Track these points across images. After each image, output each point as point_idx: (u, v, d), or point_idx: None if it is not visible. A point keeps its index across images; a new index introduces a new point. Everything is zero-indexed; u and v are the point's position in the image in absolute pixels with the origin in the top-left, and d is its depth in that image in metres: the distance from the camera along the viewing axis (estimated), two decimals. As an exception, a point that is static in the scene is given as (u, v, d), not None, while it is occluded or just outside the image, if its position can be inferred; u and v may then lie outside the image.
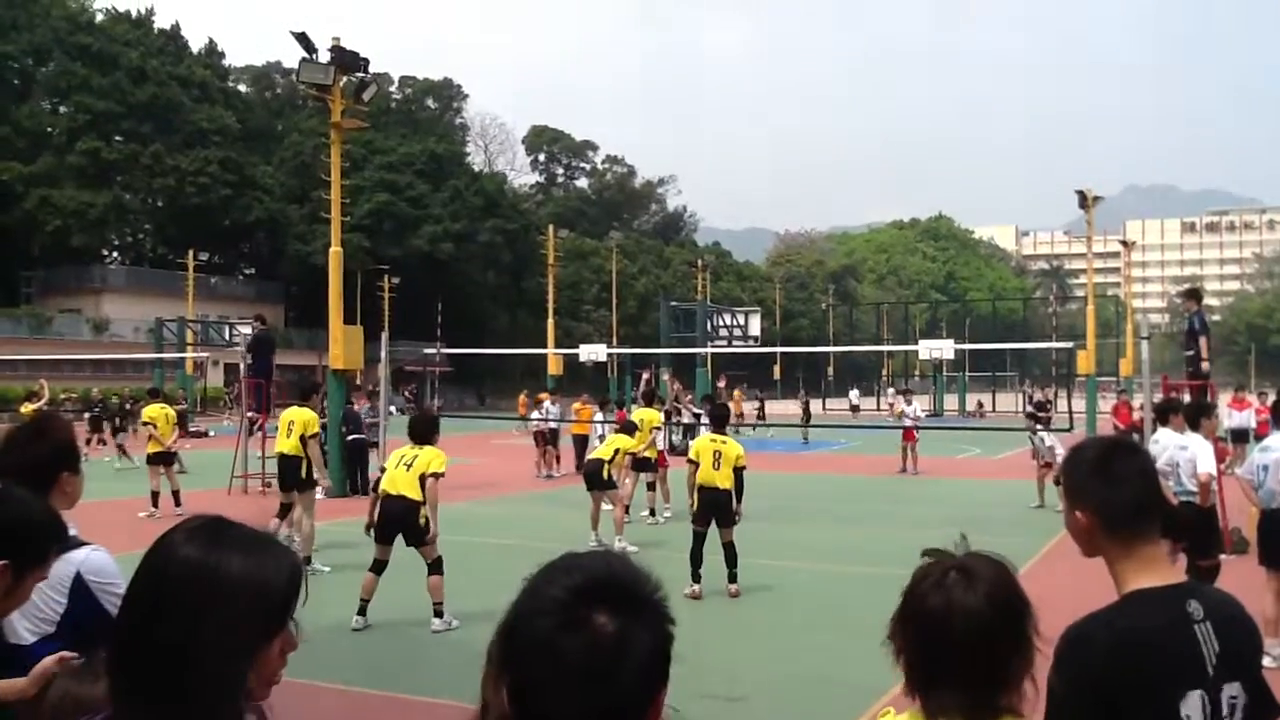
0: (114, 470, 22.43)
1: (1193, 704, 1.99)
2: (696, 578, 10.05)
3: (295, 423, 11.95)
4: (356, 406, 19.66)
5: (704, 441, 10.70)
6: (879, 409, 60.06)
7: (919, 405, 26.64)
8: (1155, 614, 2.06)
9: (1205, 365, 14.22)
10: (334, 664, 7.34)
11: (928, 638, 1.87)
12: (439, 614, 8.74)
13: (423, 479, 8.77)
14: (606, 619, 1.22)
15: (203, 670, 1.37)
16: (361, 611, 8.86)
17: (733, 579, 10.17)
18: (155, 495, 15.65)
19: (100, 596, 2.82)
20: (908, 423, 23.93)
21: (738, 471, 10.39)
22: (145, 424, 16.71)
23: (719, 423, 11.07)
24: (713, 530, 10.35)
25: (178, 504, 15.54)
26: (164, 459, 16.05)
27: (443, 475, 8.89)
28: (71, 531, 2.94)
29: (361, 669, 7.58)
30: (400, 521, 8.84)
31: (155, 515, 15.23)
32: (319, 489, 12.77)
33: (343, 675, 7.24)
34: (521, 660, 1.24)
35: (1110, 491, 2.15)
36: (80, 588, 2.80)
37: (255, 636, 1.42)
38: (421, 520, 8.80)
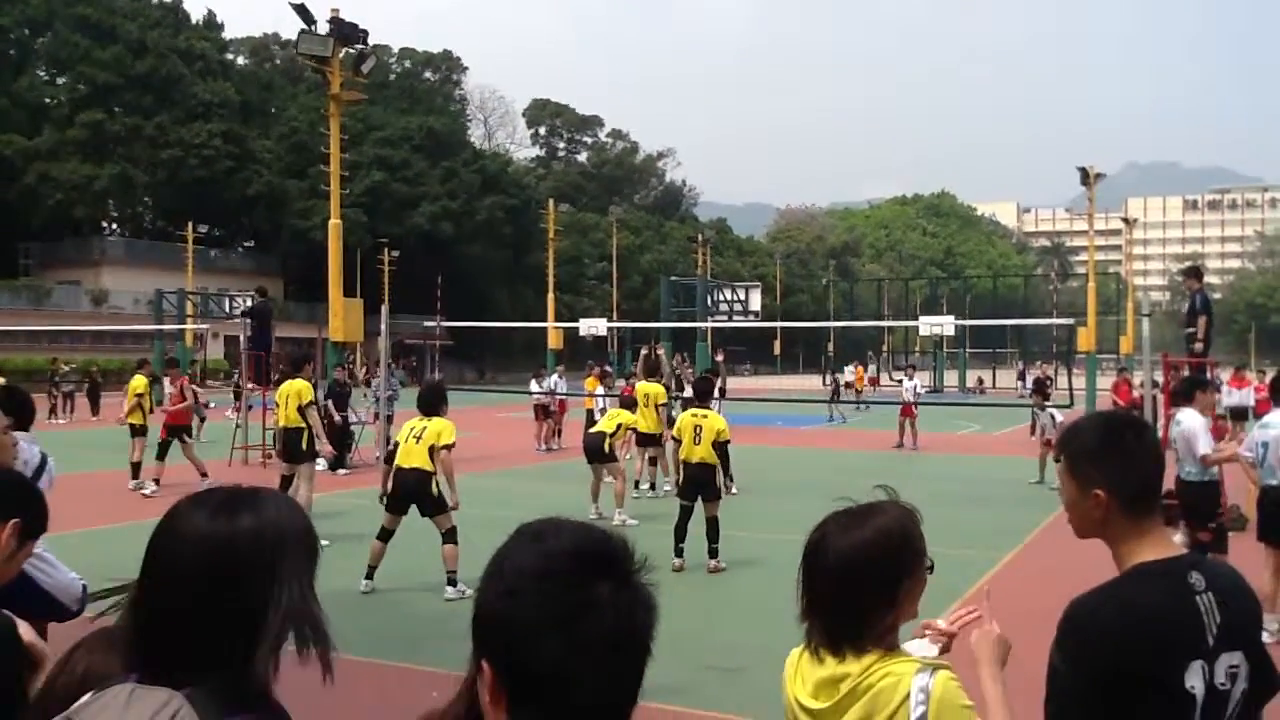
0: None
1: (1195, 673, 2.00)
2: (679, 551, 10.10)
3: (290, 395, 12.10)
4: (339, 375, 19.42)
5: (685, 417, 10.73)
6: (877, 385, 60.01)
7: (919, 381, 26.69)
8: (1158, 586, 2.06)
9: (1198, 346, 14.21)
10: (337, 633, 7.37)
11: (805, 570, 2.18)
12: (453, 582, 8.88)
13: (433, 450, 8.91)
14: (613, 590, 1.18)
15: (271, 629, 1.39)
16: (369, 575, 9.08)
17: (713, 554, 10.15)
18: (136, 466, 15.78)
19: None
20: (907, 398, 24.00)
21: (720, 445, 10.35)
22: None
23: (702, 397, 11.03)
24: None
25: (133, 476, 15.70)
26: (138, 431, 16.06)
27: (453, 446, 9.03)
28: None
29: (361, 638, 7.61)
30: (414, 493, 9.02)
31: (141, 487, 15.38)
32: (320, 459, 12.80)
33: (343, 644, 7.27)
34: (528, 645, 1.16)
35: (1127, 467, 2.15)
36: None
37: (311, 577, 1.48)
38: (434, 491, 8.96)
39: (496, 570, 1.23)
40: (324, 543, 10.67)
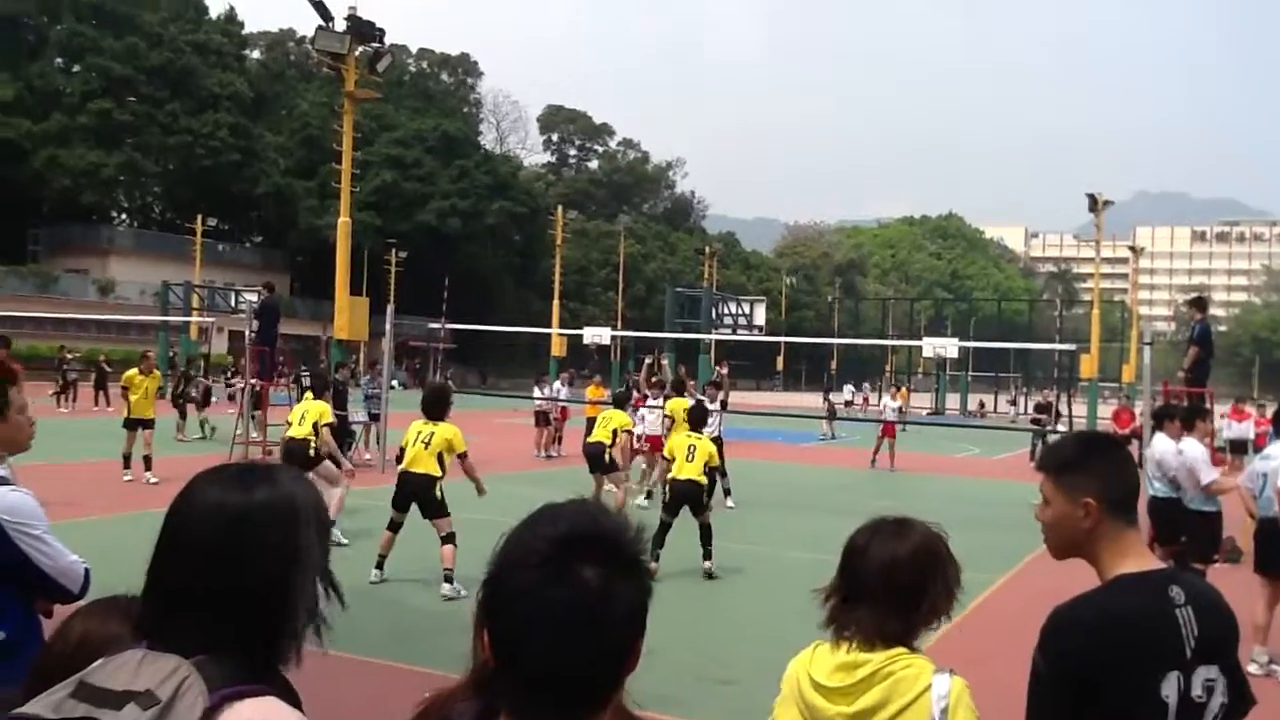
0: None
1: (1170, 684, 2.07)
2: (655, 557, 10.13)
3: (309, 412, 11.94)
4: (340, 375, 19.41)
5: (679, 438, 11.05)
6: (878, 404, 60.09)
7: (900, 402, 26.55)
8: (1139, 597, 2.13)
9: (1180, 375, 14.29)
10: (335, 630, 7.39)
11: (851, 570, 2.34)
12: (449, 579, 9.07)
13: (441, 457, 9.29)
14: (591, 572, 1.23)
15: (293, 606, 1.45)
16: (379, 565, 9.34)
17: (707, 556, 10.46)
18: (128, 458, 15.63)
19: (12, 535, 2.83)
20: (888, 417, 23.96)
21: (710, 470, 10.81)
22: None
23: (696, 424, 11.33)
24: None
25: (147, 468, 15.54)
26: (128, 424, 16.01)
27: (467, 454, 9.51)
28: (2, 473, 2.97)
29: (358, 637, 7.63)
30: (417, 494, 9.32)
31: (145, 477, 15.34)
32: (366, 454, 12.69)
33: (339, 641, 7.29)
34: (504, 611, 1.25)
35: (1112, 474, 2.25)
36: None
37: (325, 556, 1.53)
38: (437, 495, 9.27)
39: (504, 541, 1.31)
40: (344, 542, 10.83)
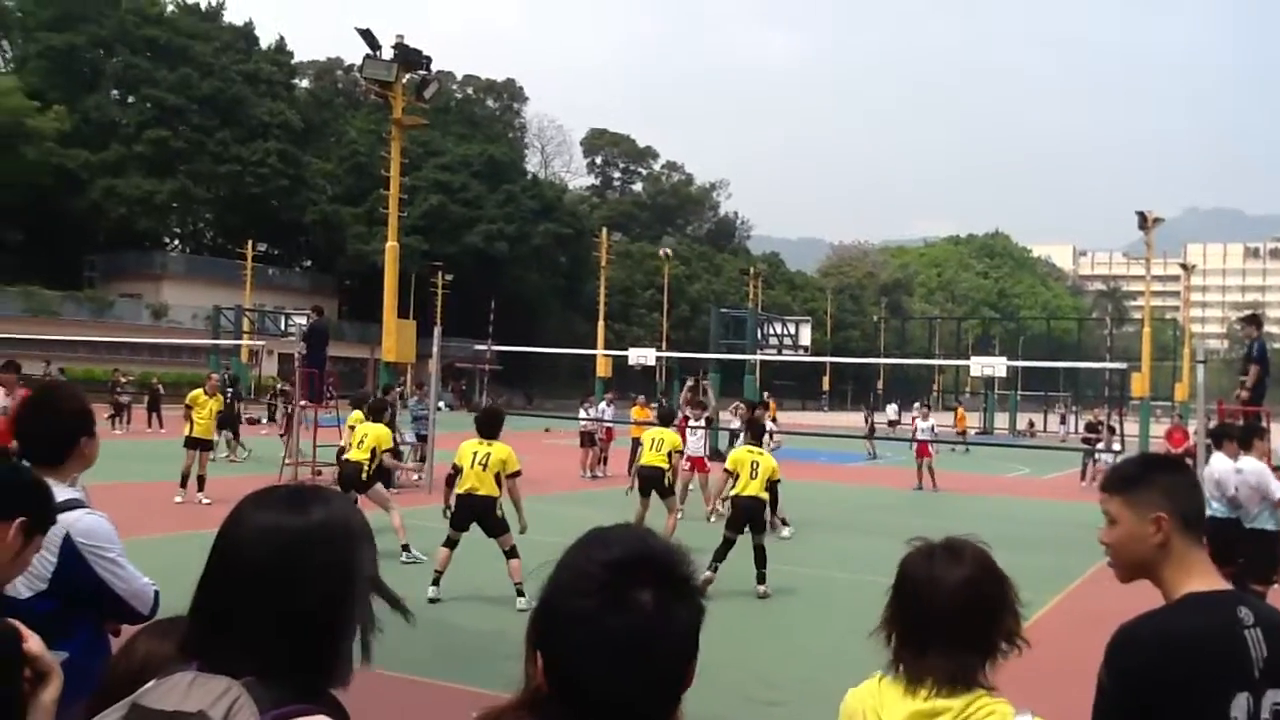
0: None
1: (1239, 706, 2.04)
2: (714, 568, 10.15)
3: (369, 437, 12.02)
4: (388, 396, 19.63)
5: (741, 453, 10.99)
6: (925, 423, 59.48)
7: (934, 421, 26.08)
8: (1207, 616, 2.11)
9: (1243, 394, 14.02)
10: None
11: (913, 604, 2.15)
12: (521, 593, 9.11)
13: (498, 477, 9.47)
14: (647, 596, 1.24)
15: (346, 629, 1.46)
16: (435, 583, 9.42)
17: (761, 579, 10.44)
18: (185, 476, 15.83)
19: (89, 558, 2.83)
20: (922, 438, 23.66)
21: (773, 484, 10.76)
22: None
23: (757, 437, 11.36)
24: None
25: (200, 488, 15.73)
26: (188, 443, 16.16)
27: (520, 474, 9.69)
28: (77, 495, 2.98)
29: (406, 656, 7.66)
30: (478, 516, 9.51)
31: (197, 498, 15.52)
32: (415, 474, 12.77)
33: (388, 661, 7.32)
34: (560, 637, 1.25)
35: (1182, 489, 2.24)
36: (69, 548, 2.80)
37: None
38: (498, 513, 9.46)
39: (556, 566, 1.32)
40: (423, 557, 10.99)
